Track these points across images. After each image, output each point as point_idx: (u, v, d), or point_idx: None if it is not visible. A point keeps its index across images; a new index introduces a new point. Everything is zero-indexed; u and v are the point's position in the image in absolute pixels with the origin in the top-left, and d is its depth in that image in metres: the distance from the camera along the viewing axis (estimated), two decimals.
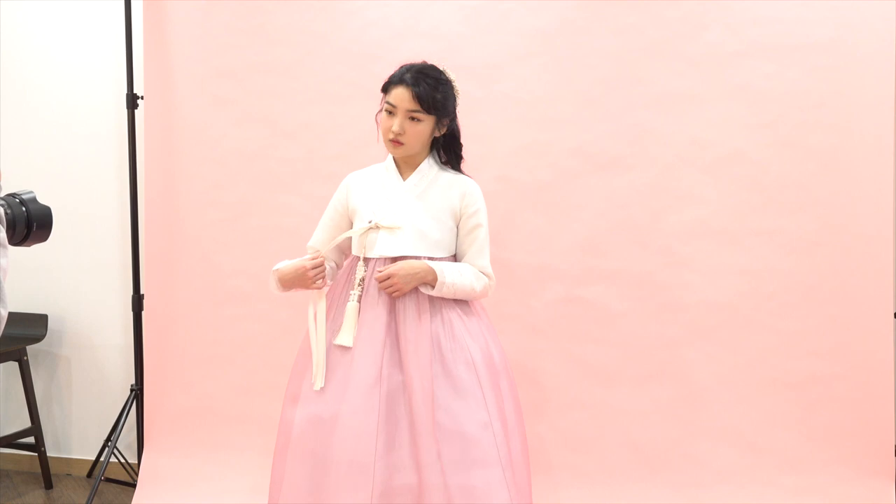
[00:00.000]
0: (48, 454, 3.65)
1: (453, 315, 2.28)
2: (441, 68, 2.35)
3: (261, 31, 3.23)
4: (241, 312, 3.27)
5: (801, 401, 2.97)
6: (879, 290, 2.92)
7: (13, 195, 1.43)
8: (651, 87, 3.00)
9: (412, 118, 2.27)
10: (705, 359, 3.01)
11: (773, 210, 2.97)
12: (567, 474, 3.04)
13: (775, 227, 2.97)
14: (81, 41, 3.61)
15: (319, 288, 2.32)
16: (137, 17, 3.32)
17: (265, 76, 3.23)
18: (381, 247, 2.30)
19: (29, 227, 1.43)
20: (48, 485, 3.60)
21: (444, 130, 2.36)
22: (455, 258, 2.38)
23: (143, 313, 3.36)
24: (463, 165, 2.46)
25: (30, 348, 3.62)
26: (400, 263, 2.25)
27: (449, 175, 2.39)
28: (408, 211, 2.32)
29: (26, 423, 3.62)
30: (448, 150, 2.42)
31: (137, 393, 3.38)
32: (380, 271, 2.25)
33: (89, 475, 3.66)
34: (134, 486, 3.31)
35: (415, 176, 2.36)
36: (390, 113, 2.29)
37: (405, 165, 2.39)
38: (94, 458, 3.62)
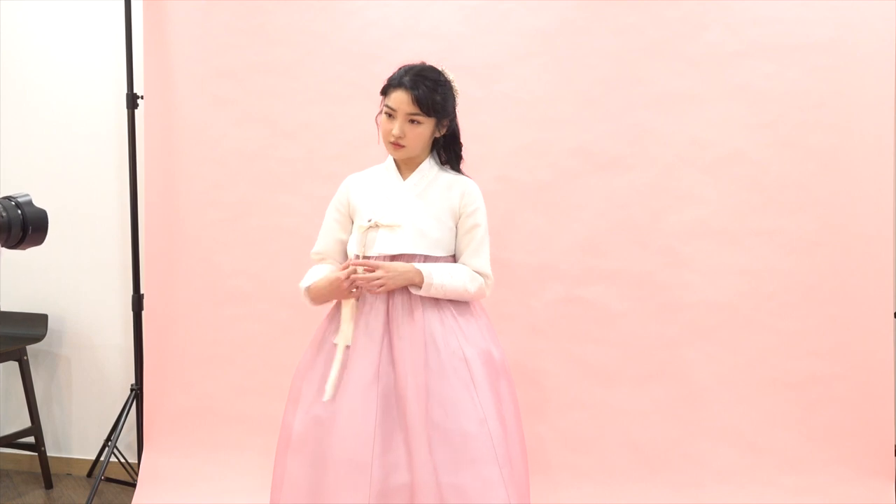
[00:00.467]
0: (48, 454, 3.65)
1: (447, 314, 2.28)
2: (440, 69, 2.35)
3: (261, 31, 3.22)
4: (240, 312, 3.27)
5: (801, 401, 2.97)
6: (879, 290, 2.92)
7: (9, 198, 1.42)
8: (651, 87, 3.00)
9: (412, 121, 2.27)
10: (705, 359, 3.01)
11: (773, 210, 2.97)
12: (567, 474, 3.04)
13: (775, 226, 2.97)
14: (81, 41, 3.60)
15: (356, 297, 2.31)
16: (137, 16, 3.32)
17: (265, 76, 3.23)
18: (380, 245, 2.30)
19: (24, 230, 1.42)
20: (48, 485, 3.60)
21: (444, 131, 2.36)
22: (454, 258, 2.38)
23: (143, 313, 3.36)
24: (463, 165, 2.45)
25: (30, 348, 3.62)
26: (388, 263, 2.25)
27: (449, 175, 2.39)
28: (407, 210, 2.32)
29: (26, 422, 3.62)
30: (448, 149, 2.42)
31: (137, 393, 3.38)
32: (367, 262, 2.24)
33: (89, 475, 3.66)
34: (134, 485, 3.31)
35: (415, 176, 2.36)
36: (390, 116, 2.29)
37: (405, 165, 2.39)
38: (94, 457, 3.62)
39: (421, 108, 2.25)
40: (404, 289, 2.27)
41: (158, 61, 3.29)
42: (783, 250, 2.97)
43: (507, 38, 3.07)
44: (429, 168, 2.38)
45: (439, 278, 2.25)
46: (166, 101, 3.30)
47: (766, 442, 2.98)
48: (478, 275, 2.35)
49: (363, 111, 2.68)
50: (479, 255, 2.36)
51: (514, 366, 2.48)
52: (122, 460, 3.48)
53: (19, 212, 1.41)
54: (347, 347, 2.26)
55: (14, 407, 3.78)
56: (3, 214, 1.39)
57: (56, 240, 3.56)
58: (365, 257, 2.31)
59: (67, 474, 3.72)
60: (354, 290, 2.26)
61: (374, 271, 2.22)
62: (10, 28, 3.68)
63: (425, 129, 2.30)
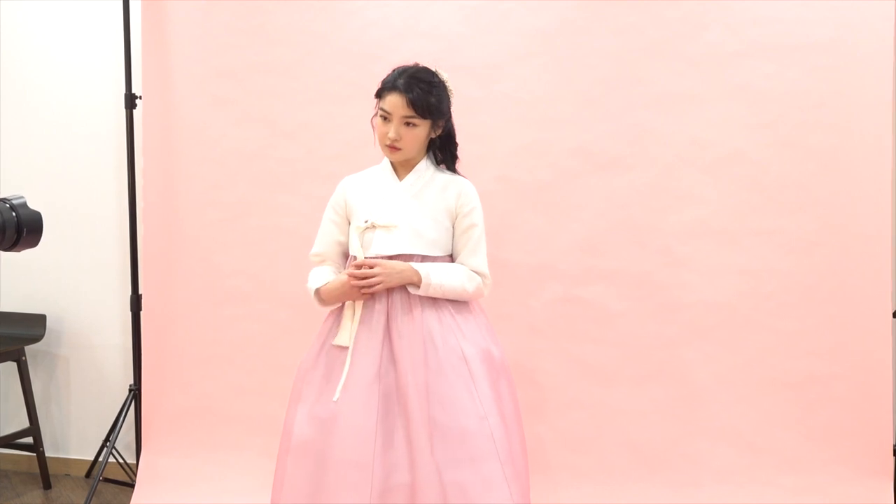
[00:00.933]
0: (46, 454, 3.65)
1: (445, 313, 2.29)
2: (433, 69, 2.35)
3: (260, 30, 3.22)
4: (239, 312, 3.27)
5: (800, 400, 2.97)
6: (878, 290, 2.92)
7: (3, 200, 1.42)
8: (651, 87, 3.00)
9: (408, 123, 2.27)
10: (704, 358, 3.01)
11: (772, 210, 2.97)
12: (566, 474, 3.04)
13: (775, 226, 2.97)
14: (80, 41, 3.60)
15: (366, 298, 2.30)
16: (136, 16, 3.31)
17: (264, 76, 3.22)
18: (377, 245, 2.30)
19: (19, 232, 1.41)
20: (46, 485, 3.59)
21: (439, 131, 2.37)
22: (452, 257, 2.39)
23: (142, 313, 3.36)
24: (462, 165, 2.46)
25: (28, 348, 3.62)
26: (387, 262, 2.26)
27: (445, 175, 2.40)
28: (404, 210, 2.32)
29: (25, 423, 3.61)
30: (444, 150, 2.42)
31: (136, 393, 3.37)
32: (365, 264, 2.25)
33: (88, 475, 3.65)
34: (132, 486, 3.31)
35: (411, 176, 2.37)
36: (385, 119, 2.29)
37: (401, 166, 2.39)
38: (92, 458, 3.62)
39: (416, 111, 2.26)
40: (403, 288, 2.28)
41: (157, 61, 3.29)
42: (782, 250, 2.97)
43: (507, 38, 3.07)
44: (425, 168, 2.38)
45: (437, 278, 2.26)
46: (165, 101, 3.29)
47: (764, 441, 2.98)
48: (475, 274, 2.35)
49: (363, 111, 2.68)
50: (476, 255, 2.37)
51: (513, 366, 2.48)
52: (121, 461, 3.47)
53: (14, 214, 1.41)
54: (341, 347, 2.28)
55: (12, 407, 3.77)
56: None
57: (54, 240, 3.57)
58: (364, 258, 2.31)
59: (66, 475, 3.72)
60: (364, 291, 2.26)
61: (372, 268, 2.23)
62: (9, 28, 3.67)
63: (421, 131, 2.30)
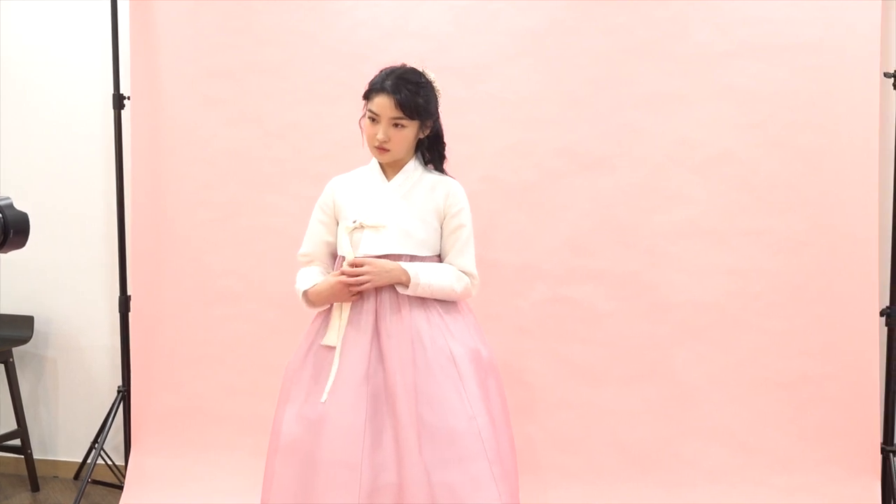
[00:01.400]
0: (35, 456, 3.63)
1: (433, 312, 2.29)
2: (421, 70, 2.35)
3: (249, 30, 3.21)
4: (229, 313, 3.26)
5: (790, 400, 2.97)
6: (865, 289, 2.92)
7: None
8: (640, 88, 3.01)
9: (396, 125, 2.27)
10: (693, 358, 3.02)
11: (761, 210, 2.97)
12: (555, 474, 3.04)
13: (764, 226, 2.97)
14: (67, 41, 3.58)
15: (356, 300, 2.30)
16: (124, 16, 3.30)
17: (253, 76, 3.21)
18: (366, 245, 2.30)
19: (6, 234, 1.40)
20: (34, 487, 3.57)
21: (427, 132, 2.37)
22: (440, 258, 2.38)
23: (130, 314, 3.35)
24: (449, 165, 2.46)
25: (16, 350, 3.60)
26: (375, 261, 2.26)
27: (433, 176, 2.40)
28: (392, 210, 2.32)
29: (12, 425, 3.59)
30: (432, 150, 2.42)
31: (124, 394, 3.36)
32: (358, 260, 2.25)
33: (76, 477, 3.63)
34: (121, 487, 3.30)
35: (399, 176, 2.37)
36: (373, 120, 2.29)
37: (389, 167, 2.39)
38: (80, 459, 3.60)
39: (404, 112, 2.25)
40: (391, 288, 2.28)
41: (145, 61, 3.28)
42: (771, 250, 2.97)
43: (497, 38, 3.06)
44: (413, 169, 2.38)
45: (426, 278, 2.26)
46: (154, 102, 3.28)
47: (755, 441, 2.99)
48: (464, 274, 2.36)
49: (352, 111, 2.66)
50: (464, 255, 2.37)
51: (502, 366, 2.48)
52: (110, 462, 3.46)
53: (0, 215, 1.40)
54: (330, 347, 2.27)
55: (0, 409, 3.75)
56: None
57: (42, 241, 3.55)
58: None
59: (54, 477, 3.70)
60: (353, 290, 2.26)
61: (361, 266, 2.23)
62: None
63: (409, 132, 2.30)
